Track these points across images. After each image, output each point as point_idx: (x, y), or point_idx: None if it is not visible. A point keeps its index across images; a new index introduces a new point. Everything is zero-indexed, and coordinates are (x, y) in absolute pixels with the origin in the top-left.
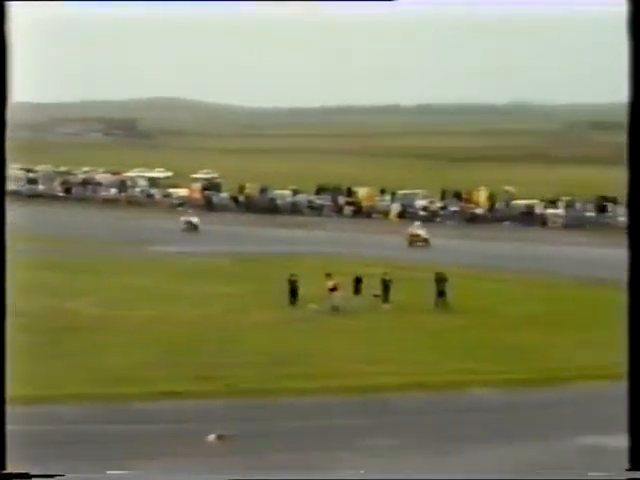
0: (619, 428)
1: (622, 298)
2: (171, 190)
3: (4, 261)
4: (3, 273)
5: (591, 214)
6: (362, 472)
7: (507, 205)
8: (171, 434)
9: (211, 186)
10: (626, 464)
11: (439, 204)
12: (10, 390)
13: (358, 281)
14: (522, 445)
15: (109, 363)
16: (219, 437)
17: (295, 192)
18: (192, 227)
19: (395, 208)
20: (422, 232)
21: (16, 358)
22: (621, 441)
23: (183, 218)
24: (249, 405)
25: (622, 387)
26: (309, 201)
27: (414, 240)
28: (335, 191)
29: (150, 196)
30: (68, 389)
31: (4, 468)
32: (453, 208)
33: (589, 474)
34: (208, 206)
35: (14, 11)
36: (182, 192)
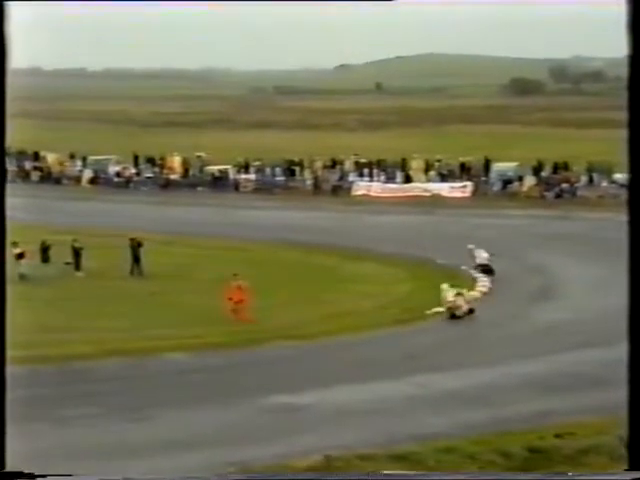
0: (302, 386)
1: (310, 258)
2: None
3: (4, 258)
4: (3, 271)
5: (280, 178)
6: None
7: (201, 171)
8: None
9: None
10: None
11: (133, 170)
12: None
13: (46, 249)
14: (209, 407)
15: None
16: None
17: None
18: None
19: (87, 174)
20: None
21: None
22: (306, 398)
23: None
24: None
25: (310, 345)
26: None
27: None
28: (20, 156)
29: None
30: None
31: (4, 468)
32: (147, 174)
33: (589, 474)
34: None
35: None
36: None
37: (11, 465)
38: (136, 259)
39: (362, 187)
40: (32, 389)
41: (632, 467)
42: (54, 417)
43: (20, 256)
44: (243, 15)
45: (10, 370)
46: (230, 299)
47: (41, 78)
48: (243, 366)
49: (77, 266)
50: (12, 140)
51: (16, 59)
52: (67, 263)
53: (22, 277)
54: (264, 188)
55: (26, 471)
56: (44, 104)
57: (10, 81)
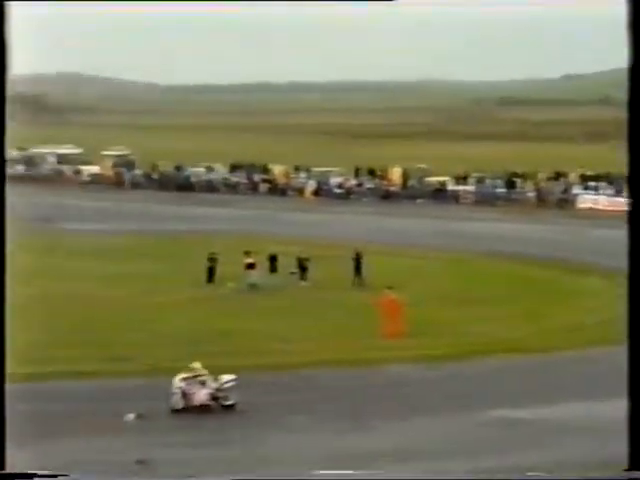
0: (522, 401)
1: (533, 272)
2: (82, 167)
3: (4, 256)
4: (3, 269)
5: (501, 190)
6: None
7: (420, 182)
8: (87, 413)
9: (124, 163)
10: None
11: (354, 181)
12: None
13: (274, 259)
14: (418, 420)
15: (17, 342)
16: (138, 416)
17: (209, 169)
18: None
19: (311, 185)
20: None
21: None
22: (525, 413)
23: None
24: (168, 384)
25: (530, 360)
26: (224, 178)
27: None
28: (250, 168)
29: (59, 173)
30: None
31: (3, 468)
32: (368, 185)
33: (589, 474)
34: (120, 183)
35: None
36: (93, 169)
37: None
38: (357, 270)
39: (588, 200)
40: (255, 397)
41: (632, 467)
42: (281, 424)
43: (250, 266)
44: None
45: (239, 378)
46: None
47: (263, 93)
48: (462, 379)
49: (302, 276)
50: (242, 153)
51: (227, 75)
52: (292, 273)
53: (252, 286)
54: (484, 200)
55: (27, 471)
56: (263, 117)
57: (231, 96)
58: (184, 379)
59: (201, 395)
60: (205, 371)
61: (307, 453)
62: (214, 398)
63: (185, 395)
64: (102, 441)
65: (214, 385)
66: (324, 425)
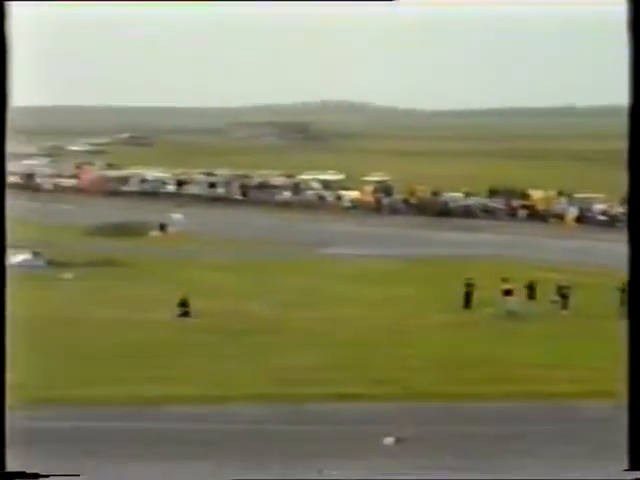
0: None
1: None
2: (343, 192)
3: (4, 256)
4: (3, 271)
5: None
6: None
7: None
8: (348, 436)
9: (383, 189)
10: None
11: (620, 209)
12: (187, 389)
13: (533, 286)
14: None
15: (285, 364)
16: (397, 440)
17: (467, 195)
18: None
19: (572, 212)
20: None
21: (197, 358)
22: None
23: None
24: (426, 408)
25: None
26: (482, 204)
27: None
28: (508, 194)
29: (322, 198)
30: (245, 389)
31: (4, 468)
32: None
33: (589, 475)
34: (380, 209)
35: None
36: (354, 195)
37: None
38: (624, 300)
39: None
40: (514, 425)
41: (632, 467)
42: (540, 454)
43: (508, 293)
44: None
45: (499, 405)
46: None
47: (523, 118)
48: None
49: (563, 304)
50: (500, 178)
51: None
52: (553, 301)
53: (510, 313)
54: None
55: (29, 471)
56: (526, 142)
57: (490, 121)
58: None
59: None
60: None
61: None
62: None
63: None
64: (362, 462)
65: None
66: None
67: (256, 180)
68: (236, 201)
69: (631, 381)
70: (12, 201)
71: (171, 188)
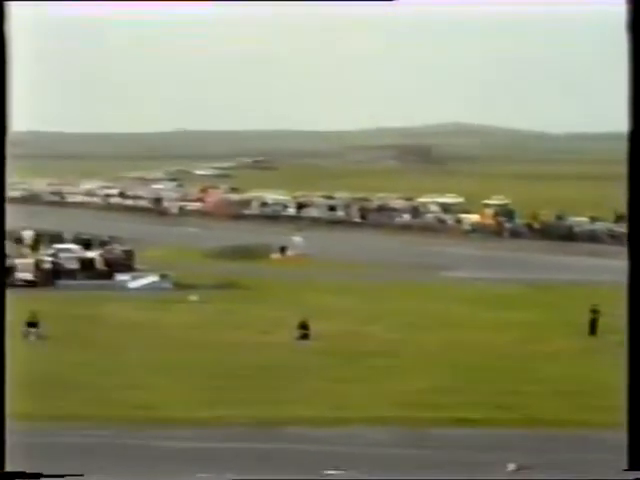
0: None
1: None
2: (463, 216)
3: (4, 259)
4: (3, 275)
5: None
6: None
7: None
8: (469, 462)
9: (504, 212)
10: None
11: None
12: (302, 410)
13: None
14: None
15: (405, 387)
16: (519, 467)
17: (593, 219)
18: None
19: None
20: None
21: (317, 381)
22: None
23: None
24: (547, 436)
25: None
26: (609, 229)
27: None
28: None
29: (442, 222)
30: (365, 412)
31: (3, 468)
32: None
33: (589, 475)
34: (501, 232)
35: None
36: (474, 218)
37: None
38: None
39: None
40: None
41: (632, 467)
42: None
43: None
44: None
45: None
46: None
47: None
48: None
49: None
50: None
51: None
52: None
53: None
54: None
55: (29, 471)
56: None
57: (614, 144)
58: None
59: None
60: None
61: None
62: None
63: None
64: None
65: None
66: None
67: (375, 203)
68: (355, 224)
69: (631, 382)
70: (140, 225)
71: (291, 211)
